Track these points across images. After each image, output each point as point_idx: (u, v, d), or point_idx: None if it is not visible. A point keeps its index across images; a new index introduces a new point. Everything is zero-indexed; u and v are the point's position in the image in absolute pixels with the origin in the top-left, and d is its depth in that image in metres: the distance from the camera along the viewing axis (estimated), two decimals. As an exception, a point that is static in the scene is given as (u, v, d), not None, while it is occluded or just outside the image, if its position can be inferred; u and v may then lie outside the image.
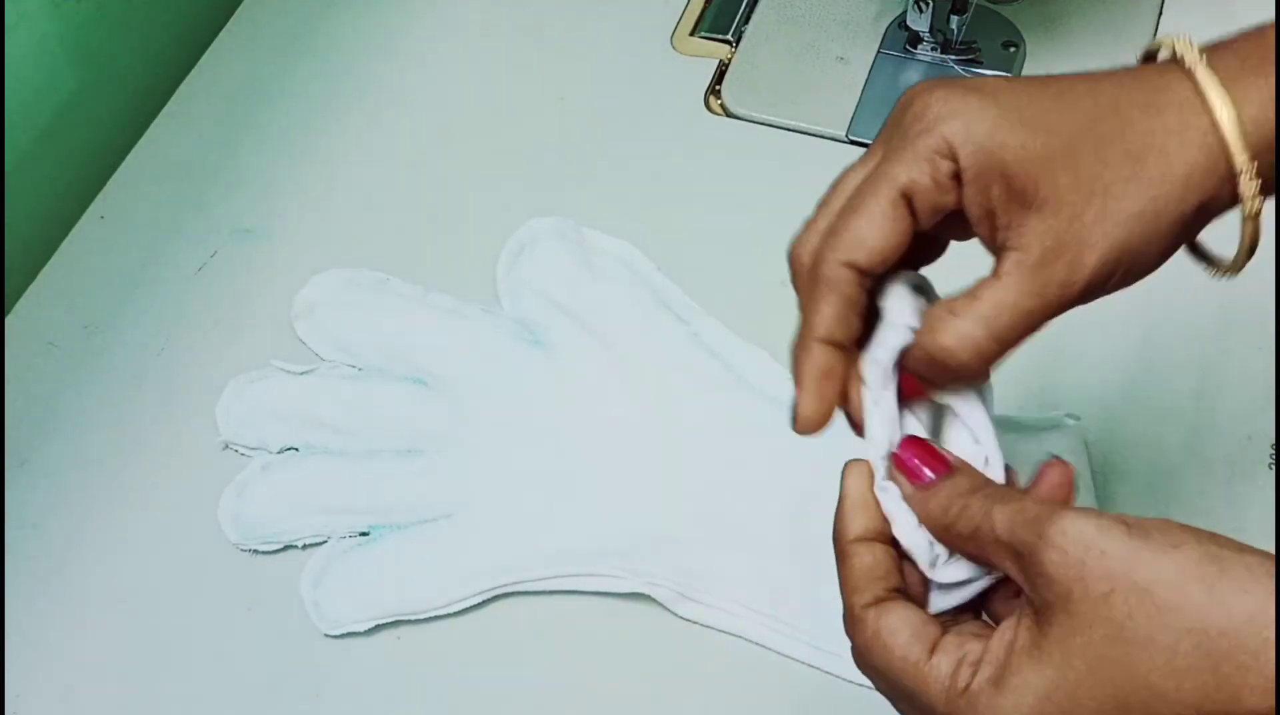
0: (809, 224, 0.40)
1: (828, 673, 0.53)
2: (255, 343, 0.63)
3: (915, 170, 0.37)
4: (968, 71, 0.70)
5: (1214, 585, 0.32)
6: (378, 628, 0.55)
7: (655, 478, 0.57)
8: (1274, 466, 0.56)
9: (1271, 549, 0.54)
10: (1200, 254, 0.41)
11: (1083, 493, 0.55)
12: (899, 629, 0.37)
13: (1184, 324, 0.61)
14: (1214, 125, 0.37)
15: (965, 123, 0.37)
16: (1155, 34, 0.71)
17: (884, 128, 0.40)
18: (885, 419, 0.39)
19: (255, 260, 0.67)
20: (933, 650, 0.37)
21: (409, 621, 0.55)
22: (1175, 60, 0.38)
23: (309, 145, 0.71)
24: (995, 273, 0.38)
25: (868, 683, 0.52)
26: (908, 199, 0.38)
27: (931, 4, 0.68)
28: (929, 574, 0.39)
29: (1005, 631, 0.36)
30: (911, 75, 0.71)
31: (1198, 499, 0.56)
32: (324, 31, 0.76)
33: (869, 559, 0.38)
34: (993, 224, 0.38)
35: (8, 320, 0.65)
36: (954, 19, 0.69)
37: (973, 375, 0.38)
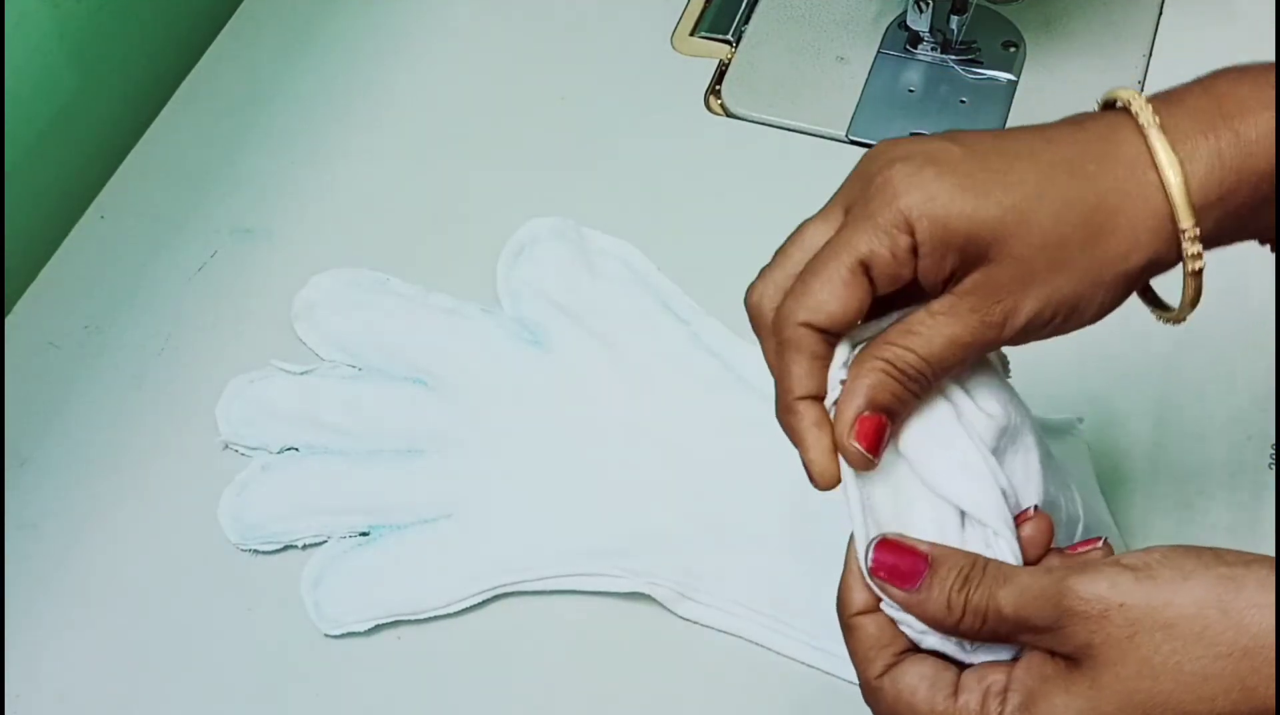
0: (765, 272, 0.42)
1: (827, 673, 0.53)
2: (255, 343, 0.63)
3: (875, 242, 0.39)
4: (968, 72, 0.70)
5: (1229, 608, 0.35)
6: (378, 628, 0.55)
7: (655, 477, 0.57)
8: (1274, 466, 0.56)
9: (1271, 550, 0.54)
10: (1151, 300, 0.44)
11: (1090, 499, 0.55)
12: (917, 686, 0.38)
13: (1184, 324, 0.61)
14: (1162, 185, 0.38)
15: (922, 196, 0.39)
16: (1155, 34, 0.71)
17: (846, 184, 0.41)
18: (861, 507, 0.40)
19: (255, 260, 0.67)
20: (956, 692, 0.38)
21: (409, 621, 0.55)
22: (1130, 114, 0.40)
23: (309, 145, 0.71)
24: (929, 307, 0.40)
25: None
26: (866, 268, 0.39)
27: (931, 4, 0.68)
28: (964, 658, 0.39)
29: (1030, 661, 0.37)
30: (911, 75, 0.71)
31: (1198, 499, 0.56)
32: (324, 31, 0.76)
33: (873, 629, 0.39)
34: (947, 287, 0.40)
35: (8, 320, 0.65)
36: (954, 19, 0.69)
37: (904, 408, 0.40)
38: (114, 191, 0.70)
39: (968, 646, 0.39)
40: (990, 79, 0.70)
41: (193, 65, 0.75)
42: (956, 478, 0.40)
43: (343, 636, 0.55)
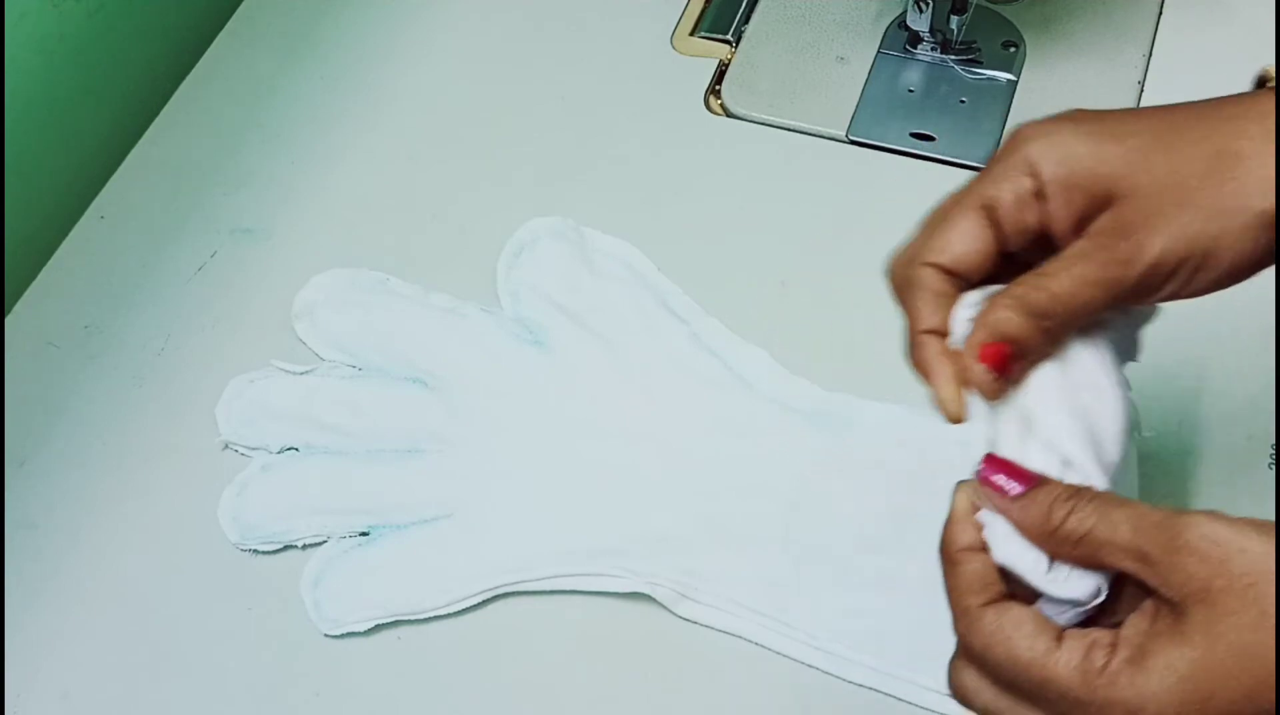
0: (907, 241, 0.42)
1: (827, 673, 0.53)
2: (255, 343, 0.63)
3: (998, 187, 0.40)
4: (968, 72, 0.70)
5: None
6: (378, 628, 0.55)
7: (655, 478, 0.57)
8: (1274, 466, 0.56)
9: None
10: None
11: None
12: (1022, 622, 0.37)
13: (1184, 323, 0.61)
14: None
15: (1048, 142, 0.40)
16: (1155, 34, 0.71)
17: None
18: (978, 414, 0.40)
19: (255, 260, 0.67)
20: (1059, 640, 0.37)
21: (409, 621, 0.55)
22: (1267, 87, 0.39)
23: (309, 145, 0.71)
24: (1060, 254, 0.39)
25: (867, 682, 0.52)
26: (990, 212, 0.40)
27: (931, 4, 0.68)
28: (1041, 584, 0.38)
29: (1138, 619, 0.36)
30: (912, 75, 0.71)
31: (1198, 499, 0.56)
32: (324, 31, 0.76)
33: (978, 565, 0.39)
34: (1079, 235, 0.40)
35: (8, 320, 0.65)
36: (954, 19, 0.69)
37: (1030, 342, 0.39)
38: (114, 191, 0.70)
39: (1047, 568, 0.38)
40: (990, 79, 0.70)
41: (192, 65, 0.75)
42: (1073, 431, 0.39)
43: (343, 636, 0.55)
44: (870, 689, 0.52)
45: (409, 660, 0.54)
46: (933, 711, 0.51)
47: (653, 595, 0.54)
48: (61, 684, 0.55)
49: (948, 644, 0.52)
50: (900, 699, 0.52)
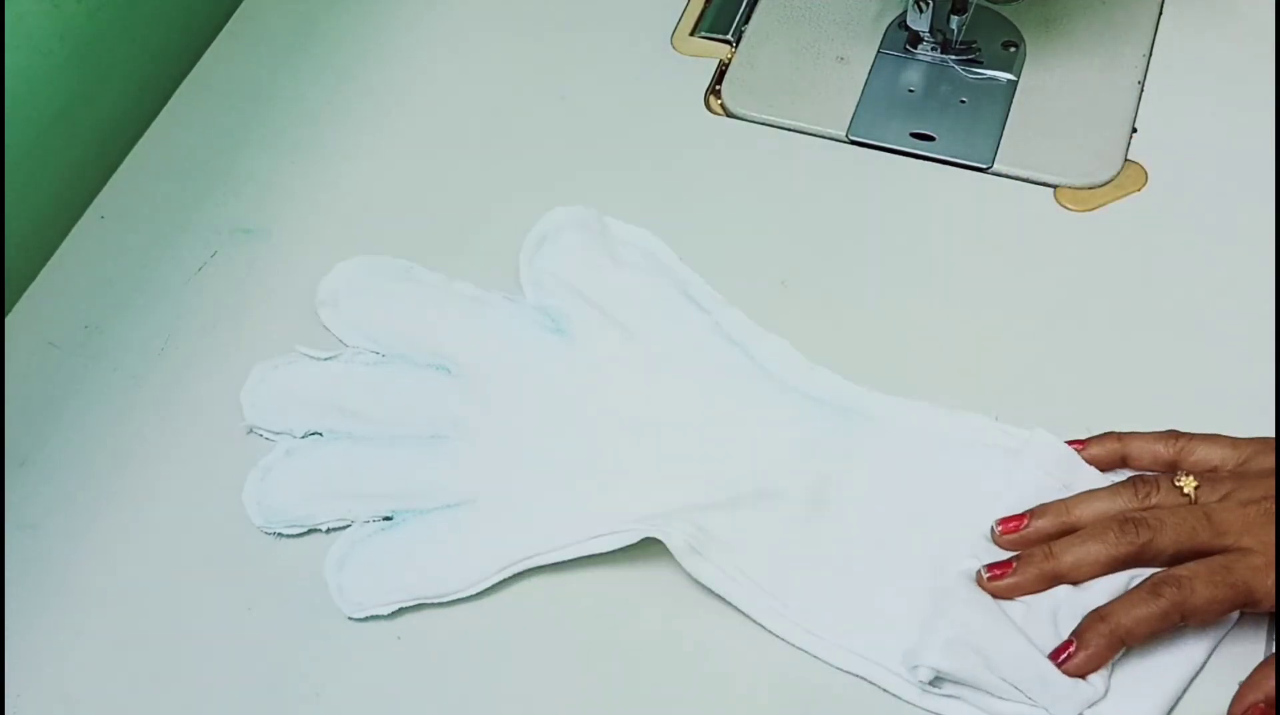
0: None
1: (817, 657, 0.53)
2: (255, 342, 0.63)
3: None
4: (968, 72, 0.70)
5: None
6: (378, 627, 0.55)
7: (675, 465, 0.57)
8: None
9: (1271, 550, 0.54)
10: None
11: None
12: None
13: (1184, 323, 0.61)
14: None
15: None
16: (1155, 34, 0.71)
17: None
18: None
19: (255, 260, 0.67)
20: None
21: (408, 621, 0.55)
22: None
23: (309, 145, 0.71)
24: None
25: (855, 670, 0.53)
26: None
27: (931, 4, 0.68)
28: None
29: None
30: (912, 75, 0.71)
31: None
32: (324, 31, 0.76)
33: None
34: None
35: (8, 320, 0.65)
36: (954, 19, 0.69)
37: None
38: (114, 191, 0.70)
39: None
40: (990, 79, 0.70)
41: (192, 65, 0.75)
42: None
43: (343, 636, 0.55)
44: (869, 685, 0.52)
45: (409, 660, 0.54)
46: (922, 709, 0.51)
47: (664, 541, 0.53)
48: (61, 685, 0.55)
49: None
50: (886, 690, 0.52)
